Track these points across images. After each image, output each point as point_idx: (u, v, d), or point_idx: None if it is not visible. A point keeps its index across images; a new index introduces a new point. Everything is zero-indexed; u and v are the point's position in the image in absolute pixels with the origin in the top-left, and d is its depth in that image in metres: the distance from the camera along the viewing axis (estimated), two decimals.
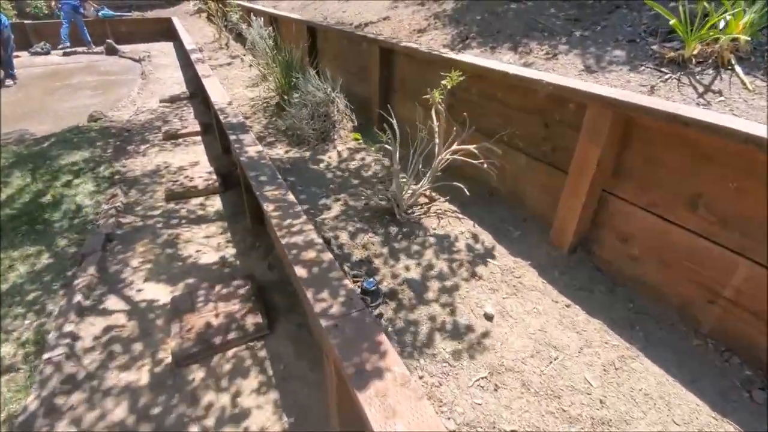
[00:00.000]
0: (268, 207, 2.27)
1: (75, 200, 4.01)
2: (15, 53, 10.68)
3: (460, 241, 2.74)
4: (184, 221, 3.67)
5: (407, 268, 2.52)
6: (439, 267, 2.53)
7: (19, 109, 6.99)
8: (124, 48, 11.59)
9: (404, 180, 2.71)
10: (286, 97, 4.28)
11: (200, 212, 3.82)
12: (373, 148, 3.75)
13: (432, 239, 2.76)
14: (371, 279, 2.31)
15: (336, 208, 3.09)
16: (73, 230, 3.56)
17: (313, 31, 5.26)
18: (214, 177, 4.32)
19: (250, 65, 6.37)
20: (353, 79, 4.46)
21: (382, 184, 3.33)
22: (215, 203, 4.00)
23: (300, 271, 1.76)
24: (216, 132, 5.16)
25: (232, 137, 3.34)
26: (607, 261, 2.47)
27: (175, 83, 8.40)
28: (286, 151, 3.69)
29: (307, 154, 3.74)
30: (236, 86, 5.69)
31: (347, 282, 1.71)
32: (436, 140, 2.73)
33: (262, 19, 5.57)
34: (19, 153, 5.14)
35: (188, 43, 8.12)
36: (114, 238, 3.40)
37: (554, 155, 2.68)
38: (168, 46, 12.32)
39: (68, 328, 2.46)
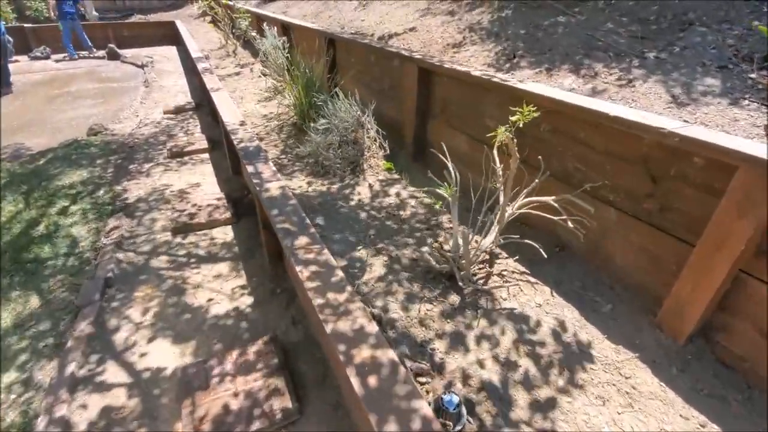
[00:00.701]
0: (302, 273, 1.85)
1: (71, 231, 3.58)
2: (15, 57, 10.28)
3: (543, 325, 2.22)
4: (192, 260, 3.25)
5: (481, 364, 2.01)
6: (523, 365, 2.02)
7: (15, 120, 6.57)
8: (126, 53, 11.20)
9: (466, 238, 2.22)
10: (306, 118, 3.86)
11: (210, 248, 3.39)
12: (405, 180, 3.28)
13: (505, 319, 2.26)
14: (450, 395, 1.74)
15: (378, 265, 2.61)
16: (67, 271, 3.14)
17: (333, 43, 4.85)
18: (225, 203, 3.90)
19: (261, 74, 5.96)
20: (380, 98, 4.03)
21: (430, 231, 2.86)
22: (226, 235, 3.57)
23: (356, 384, 1.34)
24: (225, 150, 4.74)
25: (249, 168, 2.93)
26: (739, 356, 1.98)
27: (180, 92, 7.99)
28: (309, 183, 3.26)
29: (335, 187, 3.28)
30: (247, 100, 5.28)
31: (420, 404, 1.28)
32: (501, 185, 2.29)
33: (275, 28, 5.15)
34: (13, 172, 4.72)
35: (194, 50, 7.72)
36: (113, 283, 2.98)
37: (663, 216, 2.20)
38: (171, 51, 11.92)
39: (60, 411, 2.04)
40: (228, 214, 3.73)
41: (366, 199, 3.02)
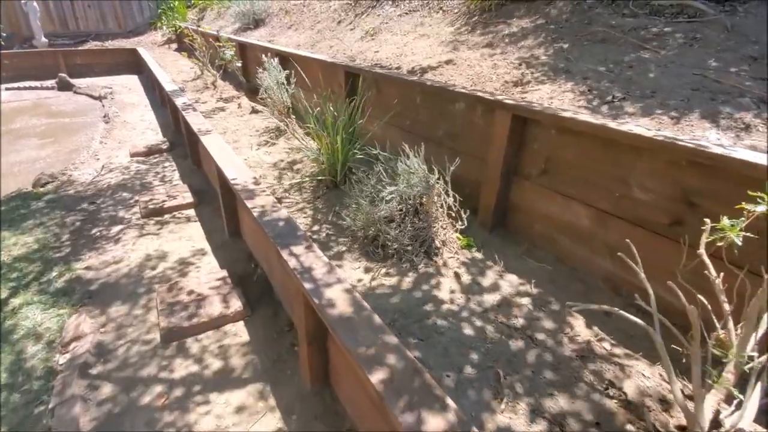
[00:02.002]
0: None
1: (13, 346, 2.50)
2: None
3: None
4: (196, 387, 2.25)
5: None
6: None
7: None
8: (80, 82, 9.96)
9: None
10: (339, 175, 2.99)
11: (221, 361, 2.41)
12: (497, 264, 2.37)
13: None
14: None
15: None
16: (5, 421, 2.06)
17: (353, 79, 4.05)
18: (230, 286, 2.93)
19: (252, 111, 5.05)
20: (429, 148, 3.19)
21: (585, 359, 1.92)
22: (239, 336, 2.60)
23: None
24: (221, 208, 3.78)
25: (287, 256, 2.02)
26: None
27: (148, 128, 6.93)
28: (368, 271, 2.33)
29: (409, 279, 2.30)
30: (243, 144, 4.36)
31: None
32: (727, 313, 1.50)
33: (277, 59, 4.31)
34: None
35: (166, 82, 6.71)
36: None
37: None
38: (132, 81, 10.78)
39: None
40: (238, 305, 2.76)
41: (460, 299, 2.13)
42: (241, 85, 7.00)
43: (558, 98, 2.87)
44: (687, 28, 3.36)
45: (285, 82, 4.29)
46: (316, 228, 2.70)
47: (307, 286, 1.84)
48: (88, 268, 3.25)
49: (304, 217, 2.85)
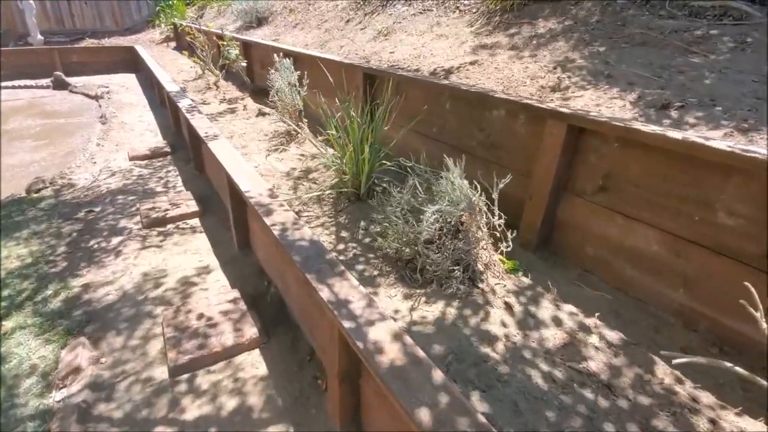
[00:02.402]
0: None
1: (5, 378, 2.22)
2: None
3: None
4: (212, 428, 1.99)
5: None
6: None
7: None
8: (75, 81, 9.64)
9: None
10: (362, 187, 2.73)
11: (235, 399, 2.15)
12: (549, 292, 2.10)
13: None
14: None
15: None
16: None
17: (372, 81, 3.78)
18: (243, 308, 2.67)
19: (261, 115, 4.79)
20: (458, 157, 2.91)
21: (677, 412, 1.62)
22: (256, 368, 2.34)
23: None
24: (230, 221, 3.52)
25: (324, 293, 1.77)
26: None
27: (147, 129, 6.64)
28: (408, 298, 2.03)
29: (453, 310, 2.00)
30: (252, 149, 4.09)
31: None
32: None
33: (290, 59, 4.04)
34: None
35: (166, 81, 6.43)
36: None
37: None
38: (130, 79, 10.47)
39: None
40: (254, 332, 2.50)
41: (516, 336, 1.84)
42: (244, 86, 6.73)
43: (606, 106, 2.63)
44: (734, 31, 3.13)
45: (297, 84, 4.03)
46: (341, 247, 2.44)
47: (347, 325, 1.58)
48: (86, 286, 2.97)
49: (327, 234, 2.58)
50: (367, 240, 2.49)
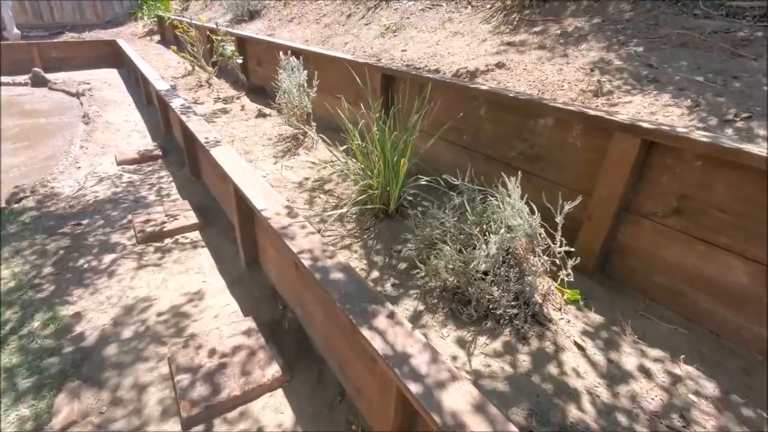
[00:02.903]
0: None
1: None
2: None
3: None
4: None
5: None
6: None
7: None
8: (55, 77, 9.10)
9: None
10: (391, 203, 2.43)
11: None
12: (625, 332, 1.86)
13: None
14: None
15: None
16: None
17: (390, 82, 3.46)
18: (260, 339, 2.38)
19: (274, 119, 4.45)
20: (495, 170, 2.63)
21: None
22: (280, 412, 2.06)
23: None
24: (237, 233, 3.22)
25: (376, 342, 1.49)
26: None
27: (134, 130, 6.23)
28: (460, 341, 1.75)
29: (521, 358, 1.70)
30: (256, 154, 3.75)
31: None
32: None
33: (298, 58, 3.70)
34: None
35: (154, 79, 6.02)
36: None
37: None
38: (112, 75, 9.96)
39: None
40: (275, 369, 2.21)
41: (603, 392, 1.51)
42: (239, 84, 6.36)
43: (662, 114, 2.39)
44: None
45: (305, 85, 3.71)
46: (375, 275, 2.16)
47: (413, 388, 1.31)
48: (77, 314, 2.63)
49: (357, 259, 2.30)
50: (403, 266, 2.22)
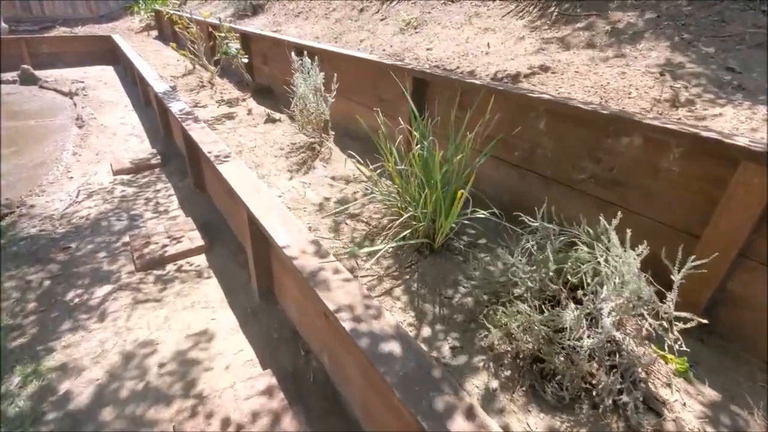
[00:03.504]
0: None
1: None
2: None
3: None
4: None
5: None
6: None
7: None
8: (46, 75, 8.63)
9: None
10: (436, 235, 2.02)
11: None
12: (756, 417, 1.46)
13: None
14: None
15: None
16: None
17: (421, 87, 3.03)
18: (283, 402, 1.98)
19: (292, 126, 4.03)
20: (555, 192, 2.21)
21: None
22: None
23: None
24: (250, 262, 2.83)
25: None
26: None
27: (131, 134, 5.81)
28: (552, 428, 1.40)
29: None
30: (269, 168, 3.32)
31: None
32: None
33: (314, 60, 3.26)
34: None
35: (153, 79, 5.59)
36: None
37: None
38: (108, 73, 9.50)
39: None
40: None
41: None
42: (243, 84, 5.92)
43: (764, 131, 1.98)
44: None
45: (322, 89, 3.29)
46: (426, 332, 1.75)
47: None
48: (63, 367, 2.23)
49: (401, 309, 1.88)
50: (459, 317, 1.82)
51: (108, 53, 10.04)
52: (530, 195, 2.52)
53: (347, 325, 1.54)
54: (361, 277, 2.11)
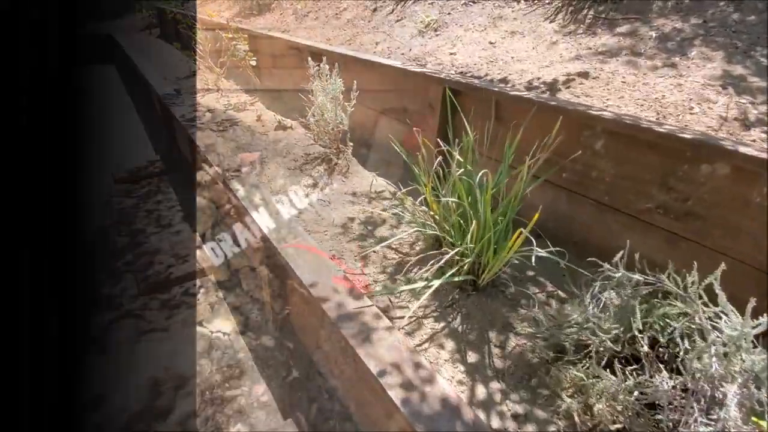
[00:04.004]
0: None
1: None
2: None
3: None
4: None
5: None
6: None
7: None
8: None
9: None
10: (482, 268, 1.77)
11: None
12: None
13: None
14: None
15: None
16: None
17: (454, 95, 2.75)
18: None
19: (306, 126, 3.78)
20: (615, 221, 1.94)
21: None
22: None
23: None
24: (265, 294, 2.58)
25: None
26: None
27: (134, 139, 5.55)
28: None
29: None
30: (281, 181, 3.08)
31: None
32: None
33: (333, 67, 2.99)
34: None
35: (155, 81, 5.34)
36: None
37: None
38: (107, 73, 9.23)
39: None
40: None
41: None
42: (251, 87, 5.66)
43: None
44: None
45: (340, 97, 3.03)
46: (481, 392, 1.49)
47: None
48: None
49: (448, 361, 1.62)
50: (515, 370, 1.56)
51: (107, 53, 9.77)
52: (579, 222, 2.26)
53: (395, 395, 1.28)
54: (396, 316, 1.86)
